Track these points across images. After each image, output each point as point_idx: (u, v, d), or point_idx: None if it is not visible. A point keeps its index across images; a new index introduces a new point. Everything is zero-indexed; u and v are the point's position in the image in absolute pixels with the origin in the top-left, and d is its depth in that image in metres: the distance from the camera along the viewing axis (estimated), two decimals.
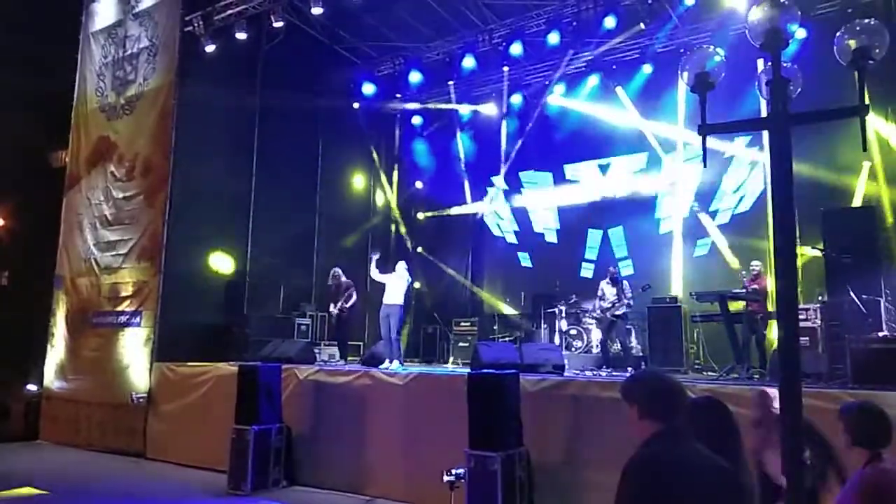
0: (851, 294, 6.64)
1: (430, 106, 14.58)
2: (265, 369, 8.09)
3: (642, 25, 11.02)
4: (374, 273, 10.12)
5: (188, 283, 10.31)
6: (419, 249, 14.90)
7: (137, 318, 10.33)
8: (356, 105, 14.00)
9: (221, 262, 11.03)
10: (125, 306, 10.55)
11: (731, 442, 2.68)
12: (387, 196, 15.29)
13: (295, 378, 8.45)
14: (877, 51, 3.19)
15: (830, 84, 4.54)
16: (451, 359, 12.14)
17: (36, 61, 12.10)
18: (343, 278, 10.60)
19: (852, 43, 3.17)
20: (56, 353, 11.37)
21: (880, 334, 6.48)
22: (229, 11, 10.68)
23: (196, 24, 10.74)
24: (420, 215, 15.19)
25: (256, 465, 7.59)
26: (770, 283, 8.71)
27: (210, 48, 10.74)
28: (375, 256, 10.54)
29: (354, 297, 10.43)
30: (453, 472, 5.75)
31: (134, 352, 10.21)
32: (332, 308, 10.54)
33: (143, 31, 11.43)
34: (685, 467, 2.09)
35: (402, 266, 10.09)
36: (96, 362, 10.68)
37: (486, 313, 13.79)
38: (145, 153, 10.88)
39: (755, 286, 8.71)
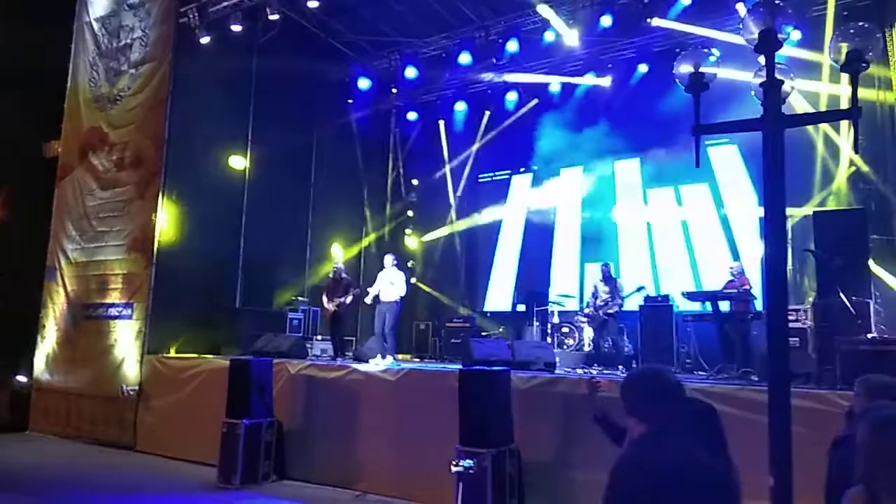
0: (841, 295, 6.68)
1: (426, 101, 14.57)
2: (257, 363, 8.08)
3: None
4: (371, 293, 9.75)
5: (180, 276, 10.26)
6: (410, 244, 14.94)
7: (129, 311, 10.28)
8: (350, 101, 13.96)
9: (214, 256, 10.98)
10: (116, 298, 10.51)
11: (716, 443, 2.69)
12: (382, 191, 15.26)
13: (286, 372, 8.44)
14: (870, 54, 3.21)
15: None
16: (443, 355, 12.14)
17: (29, 50, 12.00)
18: (344, 274, 10.44)
19: (845, 45, 3.19)
20: (47, 344, 11.32)
21: (869, 336, 6.52)
22: (224, 3, 10.64)
23: (191, 16, 10.68)
24: (412, 212, 15.20)
25: (246, 458, 7.57)
26: (750, 283, 8.79)
27: (205, 40, 10.69)
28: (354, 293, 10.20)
29: (352, 296, 10.23)
30: (461, 462, 5.69)
31: (125, 344, 10.17)
32: (326, 303, 10.26)
33: (137, 21, 11.35)
34: (667, 470, 2.07)
35: (389, 259, 9.86)
36: (87, 354, 10.63)
37: (479, 310, 13.84)
38: (137, 145, 10.83)
39: (746, 286, 8.76)
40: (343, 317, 10.43)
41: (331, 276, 10.43)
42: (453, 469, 5.60)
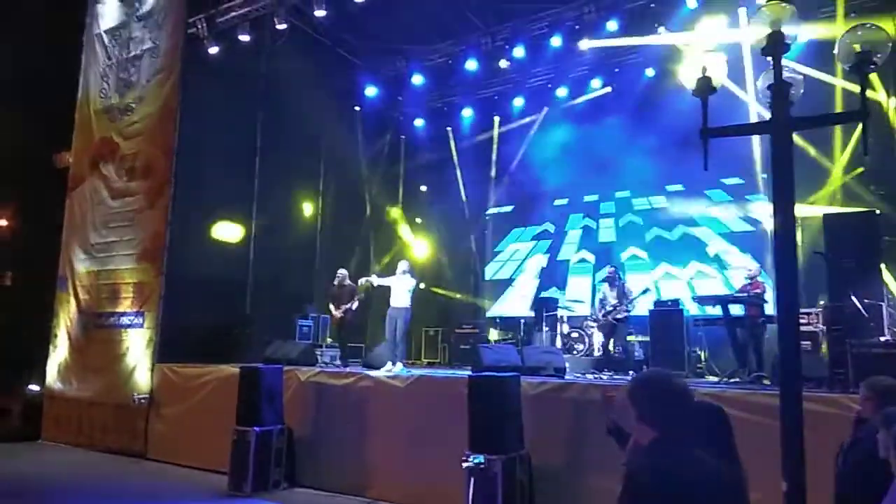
0: (853, 298, 6.64)
1: (433, 108, 14.61)
2: (267, 371, 8.09)
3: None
4: (375, 280, 10.02)
5: (190, 285, 10.30)
6: (415, 250, 14.99)
7: (139, 320, 10.34)
8: (357, 108, 14.01)
9: (224, 263, 11.02)
10: (127, 307, 10.57)
11: (724, 445, 2.67)
12: (390, 199, 15.30)
13: (296, 380, 8.46)
14: (879, 55, 3.20)
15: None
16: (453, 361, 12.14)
17: (40, 62, 12.14)
18: (348, 281, 10.56)
19: (855, 47, 3.18)
20: (59, 353, 11.38)
21: (882, 339, 6.47)
22: (233, 14, 10.70)
23: (199, 27, 10.76)
24: (420, 219, 15.23)
25: (257, 466, 7.58)
26: (766, 287, 8.73)
27: (213, 50, 10.76)
28: (373, 278, 10.42)
29: (358, 301, 10.36)
30: (472, 459, 5.64)
31: (136, 353, 10.22)
32: (334, 310, 10.41)
33: (146, 33, 11.45)
34: (681, 476, 2.06)
35: (403, 265, 9.86)
36: (98, 363, 10.68)
37: (488, 316, 13.85)
38: (148, 155, 10.90)
39: (757, 290, 8.70)
40: (350, 323, 10.55)
41: (335, 283, 10.52)
42: (464, 465, 5.56)
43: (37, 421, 11.13)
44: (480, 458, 5.69)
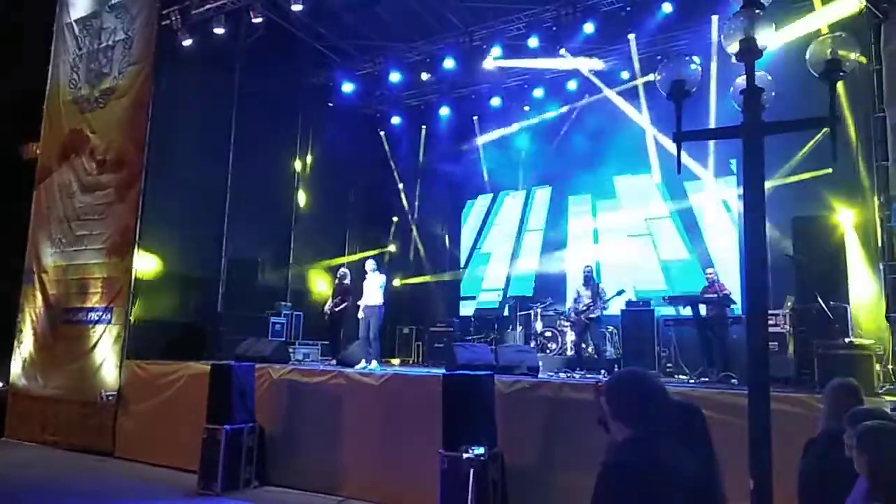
0: (819, 301, 6.79)
1: (410, 106, 14.57)
2: (238, 368, 8.01)
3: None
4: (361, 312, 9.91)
5: (160, 280, 10.17)
6: (391, 248, 14.97)
7: (108, 315, 10.15)
8: (330, 104, 13.91)
9: (195, 259, 10.88)
10: (95, 303, 10.37)
11: (701, 443, 2.71)
12: (366, 195, 15.23)
13: (269, 377, 8.39)
14: (848, 63, 3.28)
15: (803, 94, 4.64)
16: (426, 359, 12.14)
17: (8, 51, 11.86)
18: (346, 280, 10.58)
19: (824, 55, 3.26)
20: (24, 349, 11.13)
21: (847, 340, 6.63)
22: (207, 6, 10.55)
23: (173, 18, 10.59)
24: (396, 218, 15.20)
25: (228, 464, 7.50)
26: (727, 287, 8.90)
27: (187, 42, 10.60)
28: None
29: (345, 304, 10.40)
30: (472, 450, 5.64)
31: (104, 349, 10.04)
32: (326, 306, 10.51)
33: (118, 23, 11.24)
34: (655, 475, 2.08)
35: (370, 264, 9.99)
36: (65, 359, 10.47)
37: (462, 314, 13.89)
38: (118, 147, 10.71)
39: (725, 291, 8.87)
40: (338, 321, 10.56)
41: (336, 280, 10.64)
42: (464, 456, 5.56)
43: (0, 418, 10.88)
44: (481, 449, 5.66)
